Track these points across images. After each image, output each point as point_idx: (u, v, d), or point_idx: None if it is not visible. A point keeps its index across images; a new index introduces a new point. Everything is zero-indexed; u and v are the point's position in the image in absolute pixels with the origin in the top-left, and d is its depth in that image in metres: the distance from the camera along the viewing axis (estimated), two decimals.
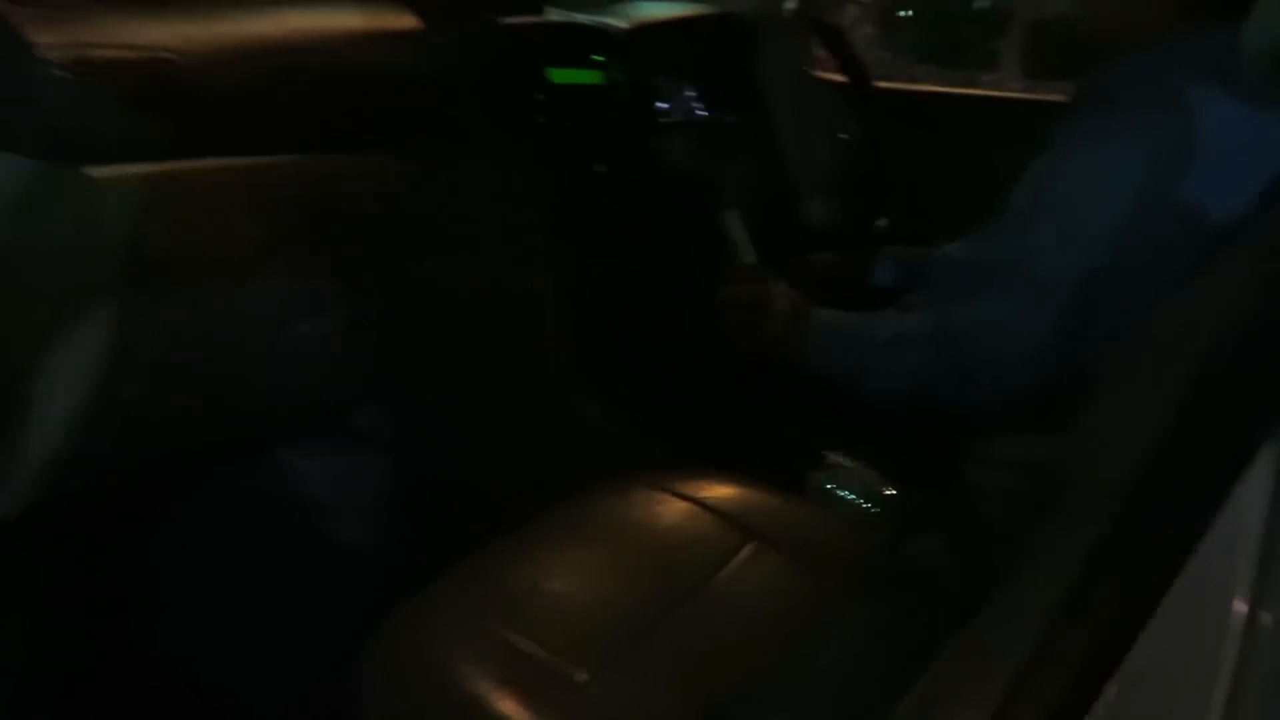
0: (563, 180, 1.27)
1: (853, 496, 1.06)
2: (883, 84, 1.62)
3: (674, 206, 1.36)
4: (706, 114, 1.45)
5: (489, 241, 1.20)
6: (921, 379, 1.03)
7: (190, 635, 0.94)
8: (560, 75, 1.29)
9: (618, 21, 1.42)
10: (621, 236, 1.33)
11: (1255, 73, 0.97)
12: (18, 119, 0.72)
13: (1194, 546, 0.33)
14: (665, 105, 1.42)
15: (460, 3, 1.20)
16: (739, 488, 1.01)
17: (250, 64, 0.97)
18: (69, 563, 0.88)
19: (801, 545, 0.94)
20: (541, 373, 1.25)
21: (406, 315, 1.09)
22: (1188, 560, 0.33)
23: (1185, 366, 0.67)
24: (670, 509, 0.97)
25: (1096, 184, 0.97)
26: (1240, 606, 0.31)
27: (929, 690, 0.48)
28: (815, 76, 1.65)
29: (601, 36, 1.37)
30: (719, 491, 1.00)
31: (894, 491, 1.05)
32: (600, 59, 1.33)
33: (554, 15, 1.41)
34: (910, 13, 2.97)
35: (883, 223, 1.52)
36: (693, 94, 1.45)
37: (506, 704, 0.72)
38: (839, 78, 1.58)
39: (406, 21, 1.12)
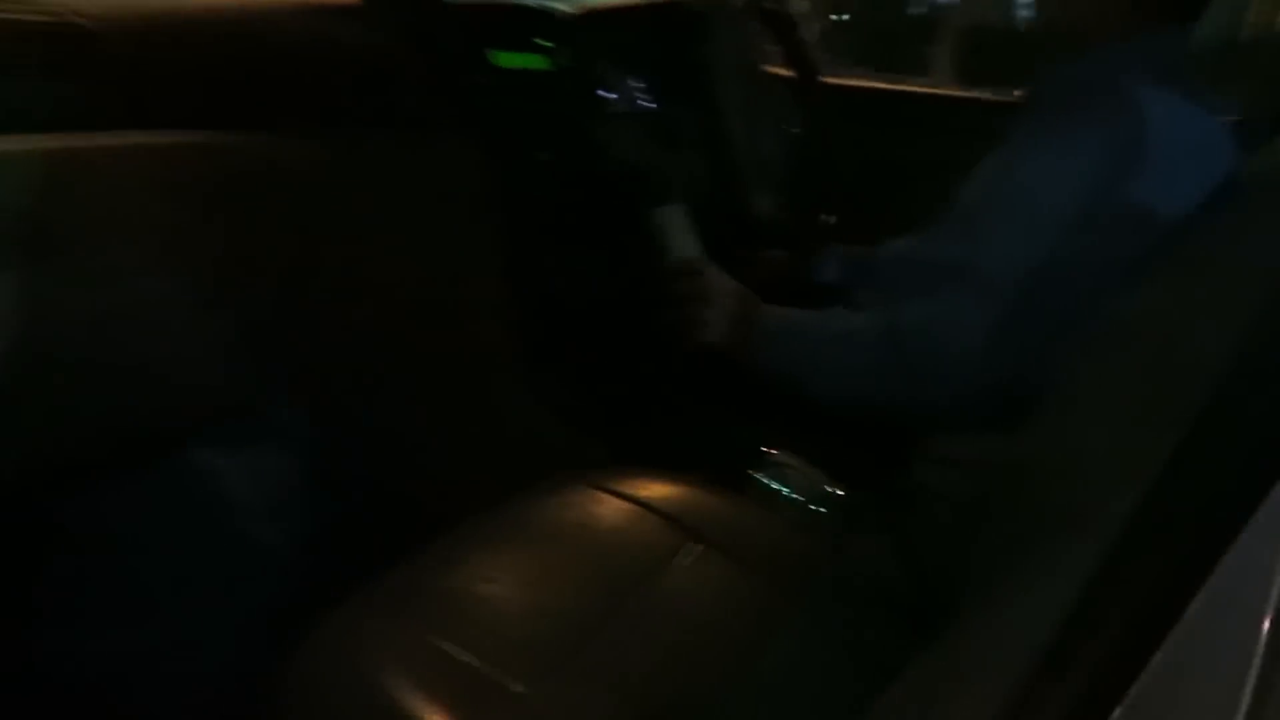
0: (505, 168, 1.23)
1: (797, 496, 1.04)
2: (829, 79, 1.61)
3: (619, 198, 1.33)
4: (653, 104, 1.42)
5: (425, 230, 1.15)
6: (870, 377, 1.02)
7: (96, 648, 0.88)
8: (505, 59, 1.25)
9: (565, 6, 1.38)
10: (564, 228, 1.29)
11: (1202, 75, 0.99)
12: None
13: (1217, 560, 0.31)
14: (612, 95, 1.39)
15: None
16: (681, 487, 0.99)
17: (169, 33, 0.92)
18: None
19: (744, 546, 0.92)
20: (478, 368, 1.21)
21: (334, 307, 1.04)
22: (1209, 575, 0.31)
23: (1172, 368, 0.66)
24: (610, 510, 0.95)
25: (1048, 183, 0.97)
26: (1268, 627, 0.29)
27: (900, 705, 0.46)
28: (763, 69, 1.64)
29: (548, 20, 1.33)
30: (660, 491, 0.98)
31: (839, 491, 1.04)
32: (546, 44, 1.29)
33: None
34: (846, 17, 3.01)
35: (829, 219, 1.51)
36: (640, 83, 1.42)
37: (440, 716, 0.69)
38: (785, 72, 1.57)
39: None
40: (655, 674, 0.75)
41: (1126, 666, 0.31)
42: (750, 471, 1.06)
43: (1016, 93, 1.23)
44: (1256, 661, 0.29)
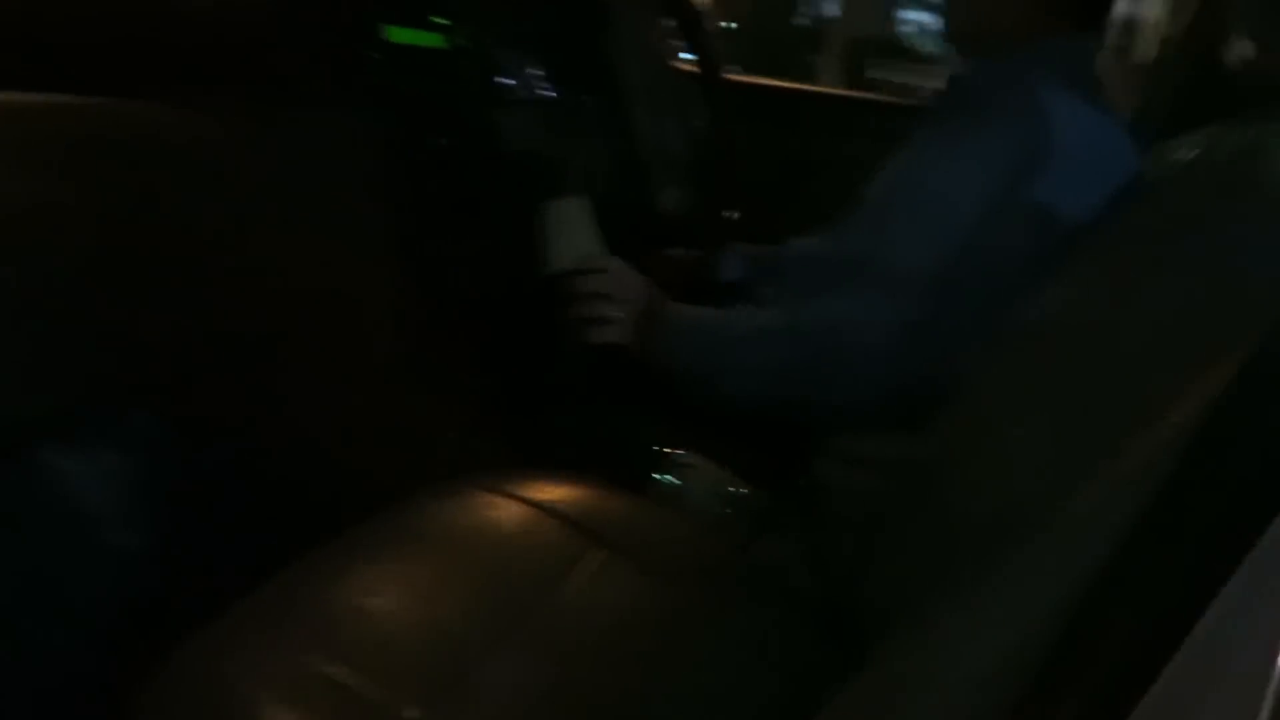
0: (398, 151, 1.16)
1: (701, 496, 1.02)
2: (733, 76, 1.60)
3: (518, 188, 1.28)
4: (554, 92, 1.37)
5: (310, 212, 1.07)
6: (777, 375, 1.01)
7: None
8: (398, 34, 1.18)
9: None
10: (461, 217, 1.23)
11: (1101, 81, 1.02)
12: None
13: (1223, 581, 0.29)
14: (511, 80, 1.33)
15: None
16: (581, 489, 0.95)
17: None
18: None
19: (649, 551, 0.89)
20: (363, 364, 1.14)
21: (204, 294, 0.96)
22: (1213, 600, 0.29)
23: (1089, 366, 0.66)
24: (507, 514, 0.90)
25: (955, 182, 0.98)
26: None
27: None
28: (668, 61, 1.61)
29: None
30: (560, 494, 0.93)
31: (745, 491, 1.01)
32: (443, 21, 1.23)
33: None
34: (734, 25, 3.06)
35: (733, 216, 1.50)
36: (540, 70, 1.37)
37: None
38: (689, 66, 1.55)
39: None
40: (559, 691, 0.71)
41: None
42: (653, 472, 1.03)
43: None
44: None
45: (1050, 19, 1.01)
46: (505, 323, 1.24)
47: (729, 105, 1.48)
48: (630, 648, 0.78)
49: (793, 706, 0.76)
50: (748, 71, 2.40)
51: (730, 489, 1.00)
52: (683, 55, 1.72)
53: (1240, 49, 1.11)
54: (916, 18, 6.68)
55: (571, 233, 1.27)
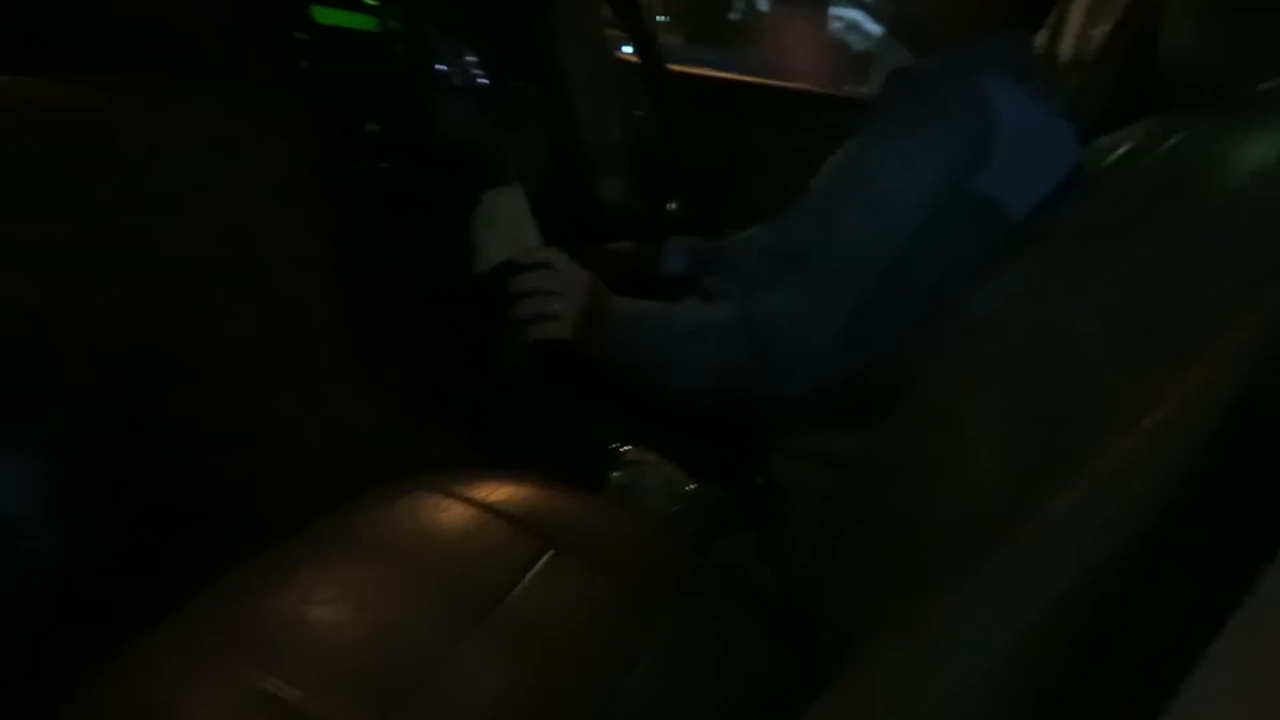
0: (325, 137, 1.12)
1: (654, 494, 1.00)
2: (674, 67, 1.60)
3: (455, 178, 1.25)
4: (492, 79, 1.34)
5: (234, 201, 1.03)
6: (725, 369, 1.01)
7: None
8: (325, 15, 1.13)
9: None
10: (397, 208, 1.20)
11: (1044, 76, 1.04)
12: None
13: (1228, 591, 0.28)
14: (446, 65, 1.30)
15: None
16: (532, 489, 0.93)
17: None
18: None
19: (602, 552, 0.87)
20: (299, 361, 1.09)
21: (118, 287, 0.91)
22: (1233, 614, 0.28)
23: (1044, 360, 0.66)
24: (456, 516, 0.87)
25: (903, 175, 0.99)
26: None
27: None
28: (609, 50, 1.60)
29: None
30: (510, 494, 0.91)
31: (697, 488, 1.01)
32: (373, 2, 1.19)
33: None
34: (667, 18, 3.07)
35: (674, 207, 1.49)
36: (477, 55, 1.33)
37: None
38: (630, 56, 1.54)
39: None
40: (515, 702, 0.69)
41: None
42: (605, 470, 1.02)
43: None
44: None
45: (995, 15, 1.03)
46: (445, 318, 1.21)
47: (671, 96, 1.47)
48: (583, 653, 0.77)
49: (749, 709, 0.76)
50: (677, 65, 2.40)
51: (683, 486, 0.99)
52: (624, 49, 1.71)
53: (1171, 45, 1.15)
54: (847, 14, 6.82)
55: (509, 225, 1.24)
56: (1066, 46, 2.05)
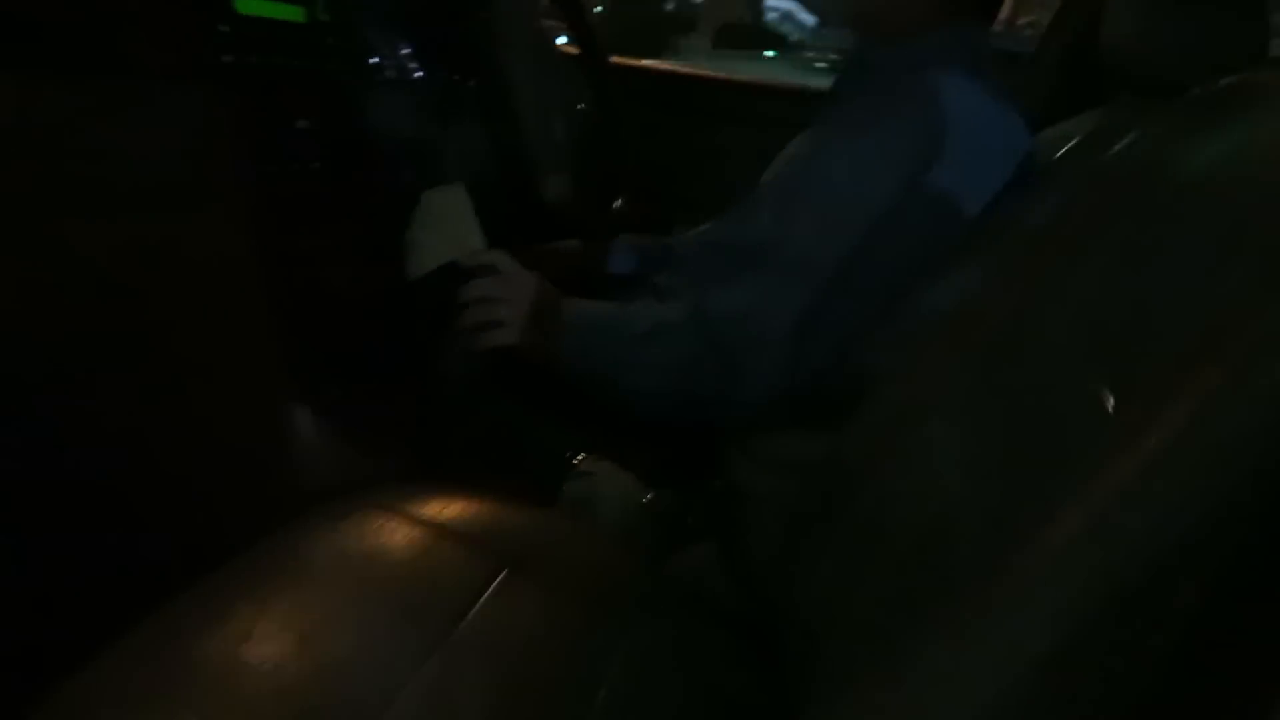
0: (252, 135, 1.06)
1: (609, 505, 0.98)
2: (616, 59, 1.57)
3: (391, 177, 1.20)
4: (429, 72, 1.29)
5: (158, 201, 0.97)
6: (680, 371, 0.99)
7: None
8: (249, 5, 1.08)
9: None
10: (330, 210, 1.14)
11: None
12: None
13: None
14: (380, 59, 1.25)
15: None
16: (484, 505, 0.89)
17: None
18: None
19: (559, 568, 0.84)
20: (229, 374, 1.04)
21: (32, 291, 0.84)
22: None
23: (1013, 360, 0.65)
24: (405, 537, 0.83)
25: (857, 169, 0.98)
26: None
27: None
28: (550, 43, 1.56)
29: None
30: (461, 511, 0.87)
31: (654, 497, 0.98)
32: None
33: None
34: (601, 9, 3.07)
35: (620, 204, 1.46)
36: (412, 47, 1.29)
37: None
38: (571, 49, 1.50)
39: None
40: None
41: None
42: (558, 481, 0.99)
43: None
44: None
45: (950, 7, 1.02)
46: (386, 325, 1.16)
47: (613, 89, 1.44)
48: (544, 676, 0.74)
49: None
50: (613, 55, 2.37)
51: (640, 496, 0.97)
52: (561, 40, 1.67)
53: (1112, 35, 1.16)
54: (781, 5, 6.87)
55: (450, 225, 1.21)
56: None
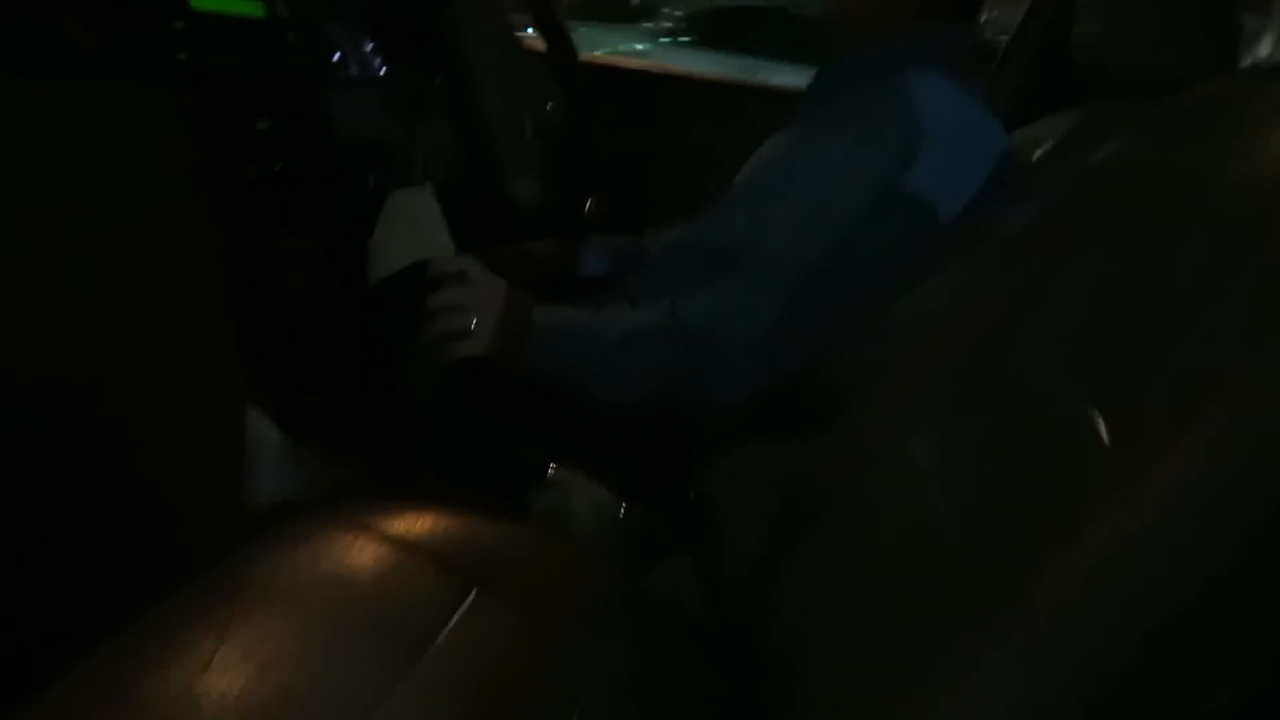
0: (211, 138, 1.02)
1: (582, 517, 0.96)
2: (586, 57, 1.54)
3: (356, 179, 1.17)
4: (393, 69, 1.26)
5: (105, 206, 0.93)
6: (656, 377, 0.97)
7: None
8: (204, 1, 1.04)
9: None
10: (293, 214, 1.11)
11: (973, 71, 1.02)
12: None
13: None
14: (343, 56, 1.21)
15: None
16: (453, 520, 0.87)
17: None
18: None
19: (532, 586, 0.82)
20: (187, 385, 1.00)
21: None
22: None
23: (998, 367, 0.63)
24: (371, 556, 0.80)
25: (834, 173, 0.97)
26: None
27: None
28: (518, 40, 1.53)
29: None
30: (430, 527, 0.85)
31: (627, 509, 0.96)
32: None
33: None
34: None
35: (590, 204, 1.44)
36: (376, 44, 1.25)
37: None
38: (540, 46, 1.48)
39: None
40: None
41: None
42: (528, 493, 0.96)
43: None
44: None
45: (930, 8, 1.01)
46: (352, 333, 1.13)
47: (584, 88, 1.41)
48: (518, 698, 0.72)
49: None
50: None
51: (613, 508, 0.95)
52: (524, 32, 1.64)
53: (1084, 35, 1.15)
54: None
55: (418, 227, 1.18)
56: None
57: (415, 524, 0.84)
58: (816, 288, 0.97)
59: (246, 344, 1.04)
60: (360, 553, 0.80)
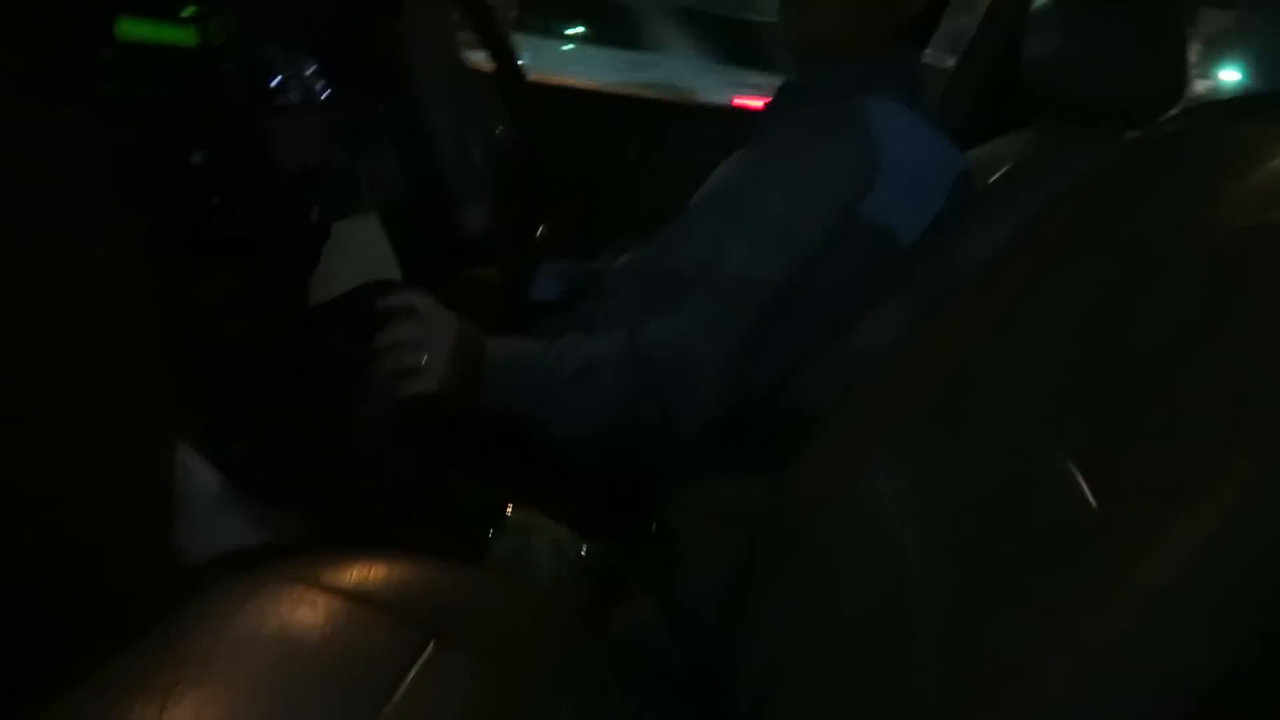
0: (142, 174, 0.99)
1: (542, 561, 0.93)
2: (536, 78, 1.52)
3: (297, 209, 1.13)
4: (336, 96, 1.23)
5: (29, 250, 0.89)
6: (615, 409, 0.96)
7: None
8: (131, 29, 1.00)
9: None
10: (233, 250, 1.07)
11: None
12: None
13: None
14: (283, 83, 1.18)
15: None
16: (407, 569, 0.84)
17: None
18: None
19: (492, 636, 0.80)
20: (124, 430, 0.96)
21: None
22: None
23: (967, 400, 0.62)
24: (322, 612, 0.77)
25: (792, 199, 0.97)
26: None
27: None
28: (464, 61, 1.50)
29: None
30: (383, 578, 0.82)
31: (589, 550, 0.94)
32: (192, 12, 1.06)
33: None
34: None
35: (542, 230, 1.42)
36: (317, 69, 1.22)
37: None
38: (486, 66, 1.45)
39: None
40: None
41: None
42: (485, 536, 0.94)
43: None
44: None
45: (886, 32, 1.02)
46: (295, 373, 1.09)
47: (532, 109, 1.40)
48: None
49: None
50: None
51: (574, 549, 0.93)
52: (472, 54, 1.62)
53: (1033, 60, 1.17)
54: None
55: (364, 257, 1.15)
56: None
57: (367, 574, 0.82)
58: (777, 312, 0.96)
59: (182, 384, 1.00)
60: (310, 608, 0.77)
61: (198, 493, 0.96)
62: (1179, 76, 1.11)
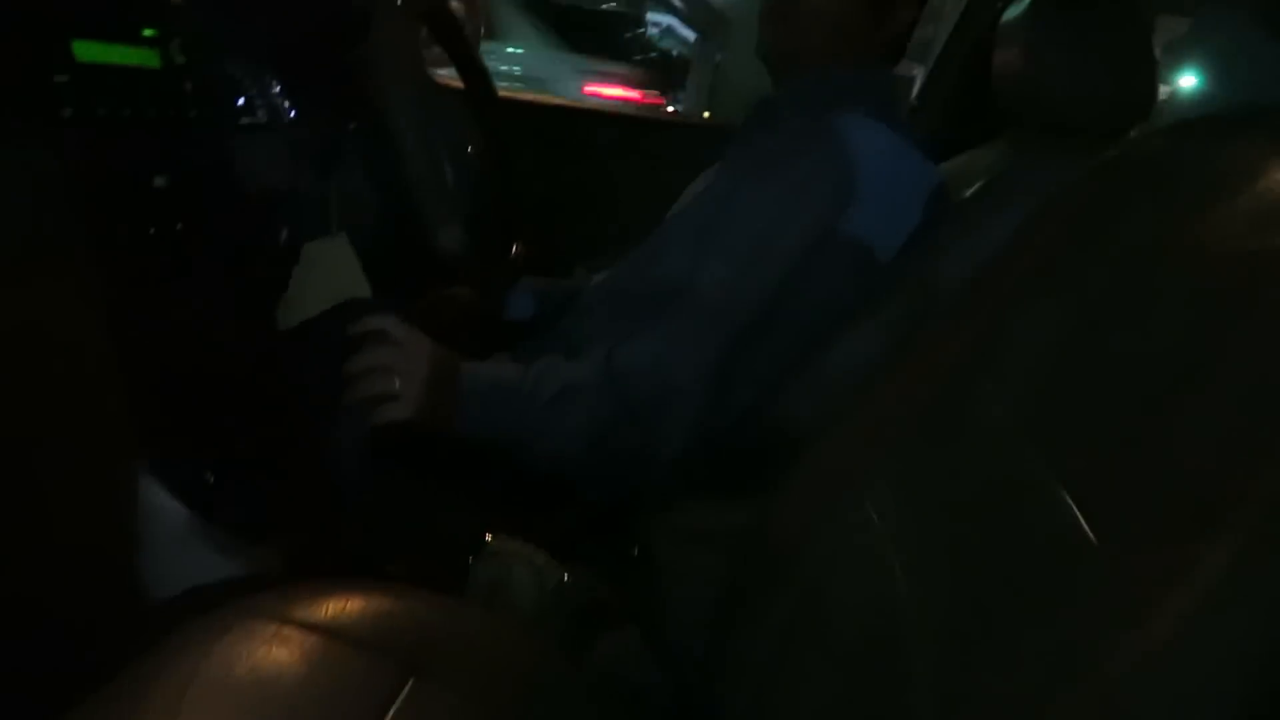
0: (103, 199, 0.96)
1: (523, 590, 0.91)
2: (508, 94, 1.51)
3: (270, 234, 1.11)
4: (304, 115, 1.21)
5: None
6: (595, 432, 0.95)
7: None
8: (90, 51, 0.97)
9: None
10: (200, 275, 1.04)
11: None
12: None
13: None
14: (248, 103, 1.15)
15: None
16: (384, 602, 0.82)
17: None
18: None
19: (473, 671, 0.78)
20: (86, 462, 0.93)
21: None
22: None
23: (952, 423, 0.61)
24: (297, 649, 0.75)
25: (771, 215, 0.97)
26: None
27: None
28: (433, 78, 1.49)
29: (154, 4, 1.07)
30: (360, 612, 0.80)
31: (570, 579, 0.92)
32: (154, 33, 1.03)
33: None
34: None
35: (517, 249, 1.40)
36: (283, 89, 1.20)
37: None
38: (456, 83, 1.44)
39: None
40: None
41: None
42: (463, 566, 0.92)
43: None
44: None
45: (860, 46, 1.02)
46: (266, 401, 1.06)
47: (503, 126, 1.38)
48: None
49: None
50: None
51: (556, 578, 0.91)
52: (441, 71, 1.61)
53: (1004, 75, 1.17)
54: (662, 19, 6.91)
55: (334, 279, 1.13)
56: None
57: (343, 608, 0.79)
58: (755, 331, 0.96)
59: (146, 412, 0.97)
60: (283, 646, 0.74)
61: (162, 526, 0.93)
62: (1149, 85, 1.12)
